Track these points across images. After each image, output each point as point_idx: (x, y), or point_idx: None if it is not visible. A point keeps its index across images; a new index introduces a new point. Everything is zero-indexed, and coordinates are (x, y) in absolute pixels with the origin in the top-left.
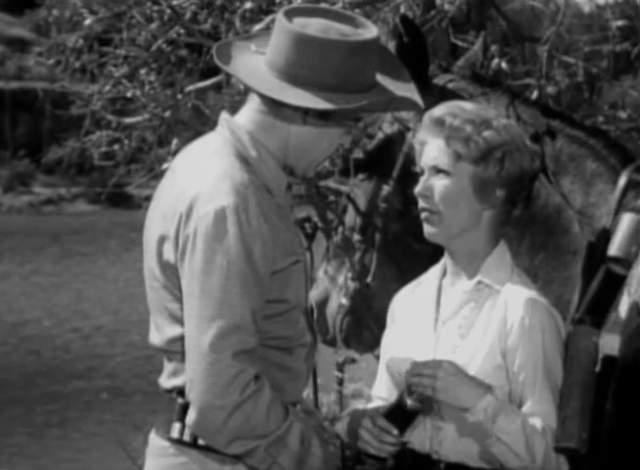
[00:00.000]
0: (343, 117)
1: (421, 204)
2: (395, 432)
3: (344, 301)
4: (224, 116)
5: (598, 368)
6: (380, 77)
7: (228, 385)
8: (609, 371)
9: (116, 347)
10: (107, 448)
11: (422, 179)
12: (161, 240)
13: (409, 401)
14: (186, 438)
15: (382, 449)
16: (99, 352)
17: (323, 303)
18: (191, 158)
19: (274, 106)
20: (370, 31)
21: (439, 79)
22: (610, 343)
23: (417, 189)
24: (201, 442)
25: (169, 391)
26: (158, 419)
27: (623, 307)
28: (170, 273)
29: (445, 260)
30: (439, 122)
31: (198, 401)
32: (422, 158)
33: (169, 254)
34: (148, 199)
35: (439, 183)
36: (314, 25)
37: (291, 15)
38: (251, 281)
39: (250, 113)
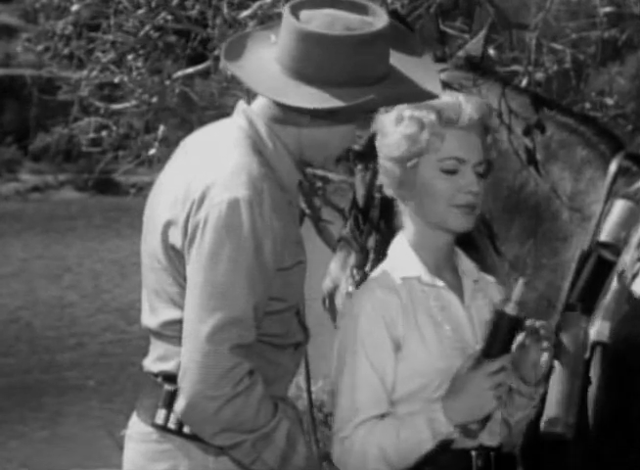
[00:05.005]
0: (354, 111)
1: (470, 200)
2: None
3: (351, 289)
4: (242, 105)
5: (587, 354)
6: (398, 64)
7: (222, 377)
8: (598, 357)
9: None
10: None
11: (474, 176)
12: (169, 223)
13: (511, 307)
14: (171, 425)
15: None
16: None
17: (333, 291)
18: (206, 144)
19: (279, 105)
20: (380, 20)
21: None
22: (599, 329)
23: (473, 187)
24: (186, 430)
25: (156, 375)
26: (141, 404)
27: (613, 294)
28: (174, 257)
29: (426, 255)
30: (480, 122)
31: (189, 390)
32: (459, 151)
33: (176, 238)
34: (134, 186)
35: (482, 181)
36: (319, 19)
37: (296, 8)
38: (257, 276)
39: (264, 106)
